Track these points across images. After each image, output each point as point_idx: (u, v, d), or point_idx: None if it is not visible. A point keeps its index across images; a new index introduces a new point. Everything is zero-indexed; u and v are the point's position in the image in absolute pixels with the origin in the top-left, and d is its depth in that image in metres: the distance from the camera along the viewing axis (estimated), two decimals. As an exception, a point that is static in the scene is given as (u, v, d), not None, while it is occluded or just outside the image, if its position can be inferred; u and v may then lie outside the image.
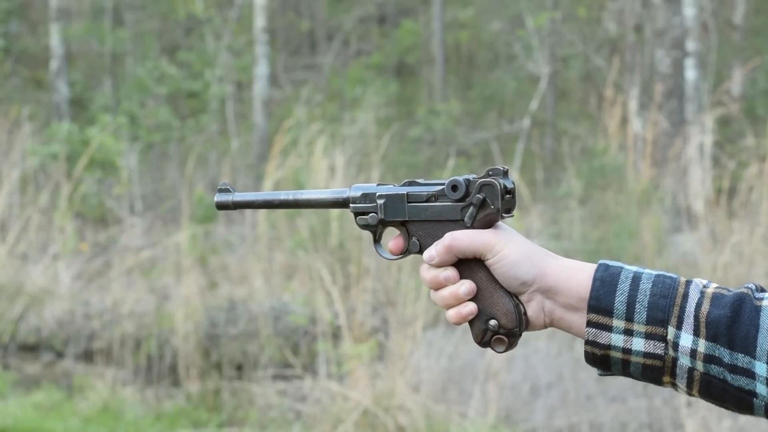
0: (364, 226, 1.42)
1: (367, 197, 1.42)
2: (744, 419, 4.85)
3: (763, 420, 4.83)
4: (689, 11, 10.47)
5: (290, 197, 1.46)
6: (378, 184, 1.43)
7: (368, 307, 6.14)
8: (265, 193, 1.49)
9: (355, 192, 1.42)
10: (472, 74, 17.48)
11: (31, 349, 7.29)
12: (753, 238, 6.24)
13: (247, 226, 8.11)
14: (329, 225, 6.69)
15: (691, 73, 10.50)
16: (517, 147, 11.64)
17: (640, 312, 1.26)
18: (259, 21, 12.72)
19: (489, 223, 1.35)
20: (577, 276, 1.30)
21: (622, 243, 6.84)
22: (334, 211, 6.80)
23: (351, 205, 1.42)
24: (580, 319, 1.30)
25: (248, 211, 8.13)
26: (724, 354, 1.22)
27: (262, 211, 7.61)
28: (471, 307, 1.35)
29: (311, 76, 16.40)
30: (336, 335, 5.84)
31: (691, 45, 10.43)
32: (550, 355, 5.74)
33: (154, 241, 8.61)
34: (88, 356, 7.07)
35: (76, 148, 9.96)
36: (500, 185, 1.34)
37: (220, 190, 1.49)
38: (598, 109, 10.20)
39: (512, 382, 5.51)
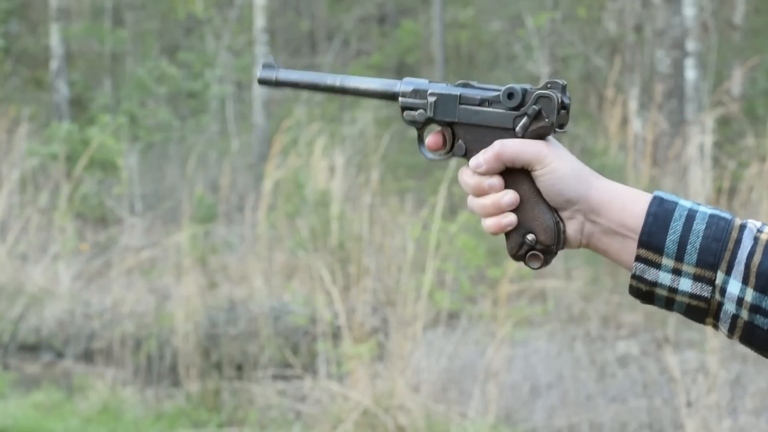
0: (411, 122, 1.38)
1: (418, 93, 1.37)
2: (744, 419, 4.85)
3: (763, 420, 4.83)
4: (689, 11, 10.47)
5: (337, 83, 1.41)
6: (430, 82, 1.38)
7: (368, 307, 6.13)
8: (312, 74, 1.44)
9: (406, 86, 1.38)
10: (472, 74, 17.47)
11: (31, 349, 7.29)
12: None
13: (247, 226, 8.11)
14: (329, 225, 6.69)
15: (691, 73, 10.50)
16: (517, 147, 11.60)
17: (691, 253, 1.24)
18: (259, 21, 12.72)
19: (541, 136, 1.31)
20: (622, 201, 1.28)
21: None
22: (335, 211, 6.79)
23: (400, 98, 1.38)
24: (618, 245, 1.29)
25: (248, 211, 8.13)
26: None
27: (262, 211, 7.61)
28: (511, 218, 1.32)
29: (311, 76, 16.37)
30: (336, 335, 5.84)
31: (691, 45, 10.43)
32: (550, 355, 5.73)
33: (154, 241, 8.61)
34: (88, 356, 7.07)
35: (76, 148, 9.96)
36: (558, 98, 1.31)
37: (265, 66, 1.44)
38: (598, 109, 10.20)
39: (512, 382, 5.51)
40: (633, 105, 9.26)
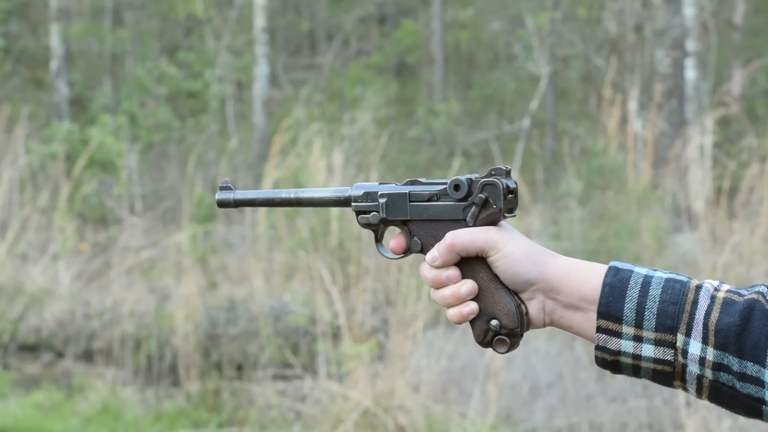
0: (366, 225, 1.42)
1: (369, 196, 1.41)
2: (744, 419, 4.85)
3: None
4: (689, 11, 10.48)
5: (292, 195, 1.45)
6: (380, 183, 1.42)
7: (368, 307, 6.13)
8: (267, 192, 1.48)
9: (357, 191, 1.42)
10: (472, 74, 17.47)
11: (31, 349, 7.29)
12: (753, 238, 6.24)
13: (247, 226, 8.11)
14: (329, 225, 6.69)
15: (691, 73, 10.50)
16: (517, 147, 11.64)
17: (649, 319, 1.25)
18: (259, 21, 12.72)
19: (491, 223, 1.35)
20: (578, 275, 1.30)
21: (622, 243, 6.84)
22: (334, 211, 6.80)
23: (353, 204, 1.42)
24: (580, 318, 1.30)
25: (248, 211, 8.13)
26: (733, 362, 1.22)
27: (262, 211, 7.61)
28: (472, 307, 1.34)
29: (311, 76, 16.40)
30: (336, 335, 5.84)
31: (691, 45, 10.43)
32: (550, 355, 5.74)
33: (154, 241, 8.61)
34: (88, 356, 7.07)
35: (76, 148, 9.96)
36: (503, 185, 1.34)
37: (222, 188, 1.49)
38: (598, 109, 10.20)
39: (512, 382, 5.51)
40: (633, 105, 9.26)
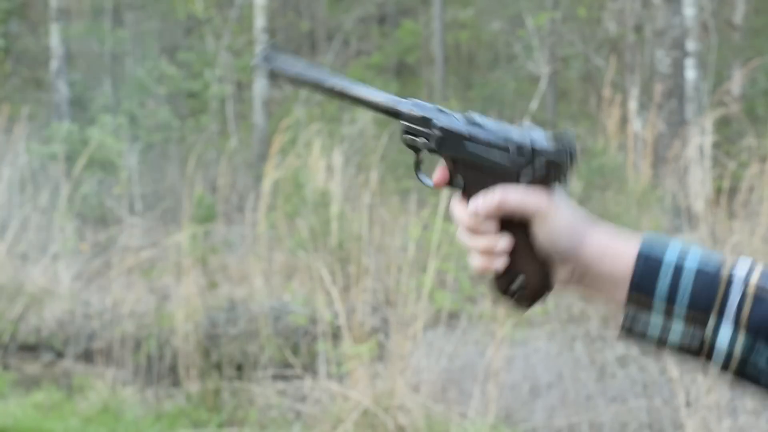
0: (410, 147, 1.34)
1: (424, 121, 1.32)
2: (744, 419, 4.84)
3: (763, 420, 4.81)
4: (689, 11, 10.48)
5: (337, 86, 1.37)
6: (438, 109, 1.33)
7: (368, 307, 6.13)
8: (317, 71, 1.39)
9: (413, 109, 1.34)
10: (472, 74, 17.48)
11: (31, 349, 7.29)
12: (753, 238, 6.24)
13: (247, 226, 8.11)
14: (329, 225, 6.69)
15: (691, 73, 10.50)
16: (517, 147, 11.60)
17: (682, 299, 1.25)
18: (259, 21, 12.72)
19: (543, 186, 1.29)
20: (611, 254, 1.29)
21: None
22: (334, 211, 6.79)
23: (404, 122, 1.34)
24: (605, 292, 1.30)
25: (248, 211, 8.13)
26: (763, 350, 1.23)
27: (262, 211, 7.61)
28: (500, 263, 1.30)
29: (311, 76, 16.37)
30: (336, 335, 5.84)
31: (691, 45, 10.43)
32: (550, 355, 5.73)
33: (154, 241, 8.61)
34: (88, 356, 7.07)
35: (76, 148, 9.96)
36: (568, 164, 1.28)
37: (264, 56, 1.40)
38: (598, 109, 10.20)
39: (512, 382, 5.51)
40: (633, 105, 9.26)
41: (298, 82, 1.40)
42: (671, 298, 1.26)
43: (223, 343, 6.54)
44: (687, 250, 1.28)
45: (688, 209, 7.35)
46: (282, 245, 7.42)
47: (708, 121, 7.63)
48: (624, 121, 8.72)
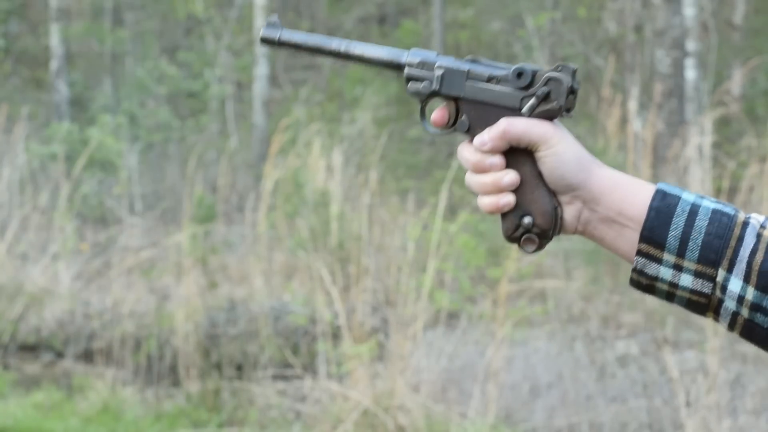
0: (415, 94, 1.36)
1: (425, 65, 1.34)
2: (744, 419, 4.85)
3: (763, 420, 4.82)
4: (689, 11, 10.47)
5: (342, 48, 1.38)
6: (438, 54, 1.36)
7: (368, 307, 6.13)
8: (317, 37, 1.40)
9: (413, 56, 1.35)
10: (472, 74, 17.45)
11: (31, 349, 7.29)
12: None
13: (247, 226, 8.11)
14: (329, 225, 6.69)
15: (691, 73, 10.50)
16: (517, 147, 11.59)
17: (693, 250, 1.23)
18: (259, 21, 12.72)
19: (547, 119, 1.30)
20: (622, 190, 1.28)
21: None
22: (334, 211, 6.79)
23: (406, 69, 1.35)
24: (614, 234, 1.28)
25: (248, 211, 8.13)
26: None
27: (262, 211, 7.61)
28: (509, 199, 1.30)
29: (311, 76, 16.40)
30: (336, 335, 5.84)
31: (691, 45, 10.43)
32: (550, 355, 5.73)
33: (154, 241, 8.61)
34: (88, 356, 7.07)
35: (76, 148, 9.97)
36: (567, 82, 1.29)
37: (269, 24, 1.41)
38: (598, 109, 10.21)
39: (512, 382, 5.51)
40: (633, 105, 9.26)
41: (303, 49, 1.41)
42: (681, 250, 1.24)
43: (223, 343, 6.54)
44: (703, 197, 1.27)
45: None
46: (282, 245, 7.42)
47: (707, 121, 7.63)
48: (624, 121, 8.72)
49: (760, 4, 15.17)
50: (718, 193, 7.16)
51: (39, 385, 6.52)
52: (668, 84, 9.42)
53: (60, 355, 7.25)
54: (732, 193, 7.10)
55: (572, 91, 1.30)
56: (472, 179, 1.32)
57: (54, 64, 14.15)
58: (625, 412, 5.18)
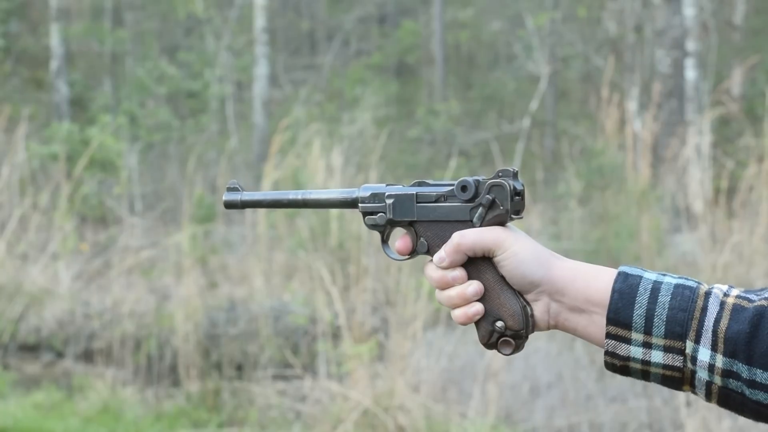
0: (373, 226, 1.42)
1: (376, 197, 1.41)
2: (744, 420, 4.85)
3: (762, 420, 4.78)
4: (689, 11, 10.47)
5: (299, 197, 1.46)
6: (387, 185, 1.42)
7: (368, 307, 6.14)
8: (274, 193, 1.48)
9: (364, 192, 1.42)
10: (472, 74, 17.48)
11: (31, 349, 7.29)
12: (753, 238, 6.24)
13: (247, 226, 8.11)
14: (329, 225, 6.69)
15: (691, 73, 10.50)
16: (517, 147, 11.64)
17: (659, 326, 1.25)
18: (259, 21, 12.72)
19: (498, 224, 1.35)
20: (584, 278, 1.30)
21: (622, 243, 6.85)
22: (334, 211, 6.80)
23: (360, 205, 1.42)
24: (585, 321, 1.31)
25: (248, 211, 8.13)
26: (742, 369, 1.22)
27: (262, 211, 7.61)
28: (477, 308, 1.34)
29: (311, 76, 16.40)
30: (336, 335, 5.84)
31: (691, 45, 10.43)
32: (550, 355, 5.74)
33: (154, 241, 8.61)
34: (88, 356, 7.07)
35: (76, 148, 9.97)
36: (510, 186, 1.34)
37: (229, 189, 1.49)
38: (597, 109, 10.21)
39: (512, 382, 5.52)
40: (632, 105, 9.26)
41: (263, 205, 1.49)
42: (648, 328, 1.26)
43: (223, 343, 6.54)
44: (665, 275, 1.29)
45: (687, 209, 7.35)
46: (282, 245, 7.42)
47: (706, 121, 7.63)
48: (623, 121, 8.73)
49: (760, 4, 15.17)
50: (717, 193, 7.16)
51: (39, 385, 6.52)
52: (668, 84, 9.43)
53: (60, 355, 7.25)
54: (731, 193, 7.10)
55: (517, 194, 1.35)
56: (440, 296, 1.36)
57: (54, 64, 14.15)
58: (625, 412, 5.19)
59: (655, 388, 5.31)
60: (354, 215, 6.85)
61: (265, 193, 1.48)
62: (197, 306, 6.73)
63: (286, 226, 7.38)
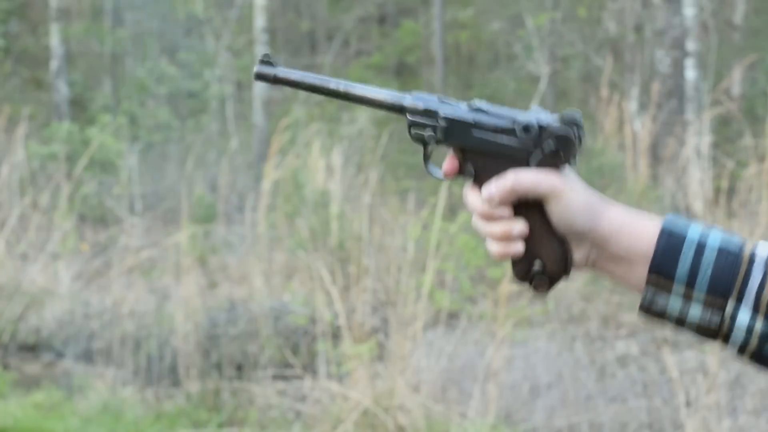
0: (417, 140, 1.35)
1: (429, 113, 1.34)
2: (744, 419, 4.85)
3: (763, 419, 4.81)
4: (689, 11, 10.47)
5: (341, 88, 1.37)
6: (440, 101, 1.35)
7: (368, 307, 6.14)
8: (315, 77, 1.39)
9: (416, 103, 1.35)
10: (472, 74, 17.48)
11: (31, 349, 7.29)
12: (753, 238, 6.24)
13: (247, 226, 8.11)
14: (329, 225, 6.69)
15: (691, 73, 10.50)
16: (517, 147, 11.60)
17: (702, 283, 1.25)
18: (259, 21, 12.72)
19: (554, 168, 1.30)
20: (629, 230, 1.29)
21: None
22: (334, 211, 6.79)
23: (409, 115, 1.35)
24: (622, 270, 1.30)
25: (248, 211, 8.13)
26: None
27: (262, 211, 7.61)
28: (519, 248, 1.30)
29: (311, 76, 16.37)
30: (336, 335, 5.84)
31: (691, 45, 10.43)
32: (550, 355, 5.74)
33: (154, 241, 8.61)
34: (88, 356, 7.07)
35: (76, 148, 9.97)
36: (576, 139, 1.29)
37: (263, 62, 1.39)
38: (597, 109, 10.21)
39: (512, 382, 5.52)
40: (632, 105, 9.27)
41: (301, 86, 1.39)
42: (691, 281, 1.26)
43: (223, 343, 6.54)
44: (709, 229, 1.28)
45: (687, 209, 7.35)
46: (282, 245, 7.42)
47: (705, 121, 7.63)
48: (623, 120, 8.73)
49: (760, 4, 15.17)
50: (717, 192, 7.16)
51: (39, 385, 6.52)
52: (668, 84, 9.43)
53: (60, 355, 7.25)
54: (731, 193, 7.10)
55: (579, 141, 1.30)
56: (480, 226, 1.32)
57: (54, 64, 14.15)
58: (625, 412, 5.19)
59: (655, 388, 5.31)
60: (354, 215, 6.85)
61: (304, 74, 1.38)
62: (197, 306, 6.72)
63: (286, 226, 7.38)
